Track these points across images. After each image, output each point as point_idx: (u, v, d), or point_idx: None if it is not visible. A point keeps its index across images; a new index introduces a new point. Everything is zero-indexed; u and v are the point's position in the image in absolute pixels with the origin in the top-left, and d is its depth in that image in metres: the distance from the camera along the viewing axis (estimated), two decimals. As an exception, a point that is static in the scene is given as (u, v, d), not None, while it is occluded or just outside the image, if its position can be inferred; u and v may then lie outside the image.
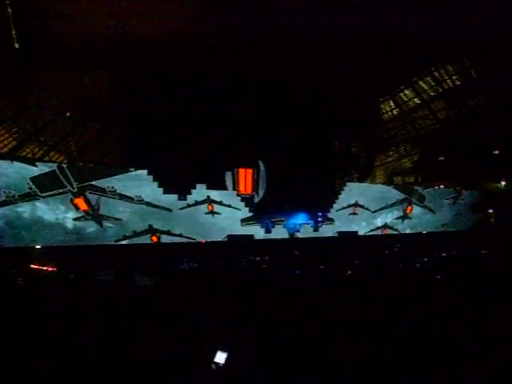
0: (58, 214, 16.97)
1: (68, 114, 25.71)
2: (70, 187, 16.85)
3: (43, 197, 16.41)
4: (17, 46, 20.34)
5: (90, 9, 18.32)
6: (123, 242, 18.40)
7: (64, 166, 17.66)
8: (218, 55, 22.06)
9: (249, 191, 26.34)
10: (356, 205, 24.40)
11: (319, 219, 23.65)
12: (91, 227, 17.77)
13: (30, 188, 16.07)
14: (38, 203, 16.45)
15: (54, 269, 13.92)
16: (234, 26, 19.42)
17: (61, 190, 16.71)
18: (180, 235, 19.58)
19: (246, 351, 5.39)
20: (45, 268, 13.91)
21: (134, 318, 7.03)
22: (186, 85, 23.74)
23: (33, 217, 16.43)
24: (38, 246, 16.48)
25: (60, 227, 17.07)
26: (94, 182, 17.58)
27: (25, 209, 16.22)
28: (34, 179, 16.11)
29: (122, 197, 18.19)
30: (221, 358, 4.85)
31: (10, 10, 18.82)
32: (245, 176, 26.28)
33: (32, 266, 14.01)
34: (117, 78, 24.19)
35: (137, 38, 20.10)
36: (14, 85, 23.16)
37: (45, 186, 16.33)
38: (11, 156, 23.63)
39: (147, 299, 8.82)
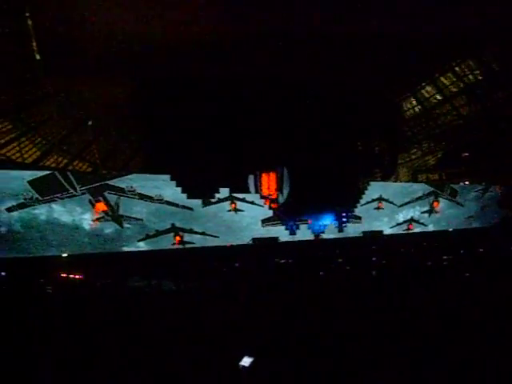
0: (75, 215, 16.85)
1: (90, 123, 25.90)
2: (72, 190, 16.75)
3: (47, 201, 16.22)
4: (37, 57, 20.57)
5: (110, 17, 18.47)
6: (142, 244, 18.46)
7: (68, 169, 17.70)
8: (240, 59, 22.05)
9: (272, 193, 26.31)
10: (380, 199, 24.22)
11: (344, 219, 23.51)
12: (111, 228, 17.68)
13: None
14: (55, 205, 16.36)
15: (81, 276, 14.03)
16: (255, 28, 19.45)
17: (63, 194, 16.56)
18: (203, 233, 19.49)
19: (273, 355, 5.32)
20: (72, 276, 14.01)
21: (161, 321, 7.03)
22: (208, 90, 23.78)
23: (49, 219, 16.31)
24: (64, 255, 16.58)
25: (80, 229, 16.96)
26: (111, 182, 17.47)
27: (42, 211, 16.11)
28: (32, 183, 15.89)
29: (142, 196, 18.08)
30: (247, 362, 4.79)
31: (30, 22, 19.08)
32: (268, 179, 26.23)
33: (59, 274, 14.13)
34: (138, 84, 24.28)
35: (159, 44, 20.19)
36: (37, 96, 23.40)
37: (44, 189, 16.10)
38: (35, 166, 23.90)
39: (173, 303, 8.81)
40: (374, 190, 24.16)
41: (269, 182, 26.18)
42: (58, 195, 16.39)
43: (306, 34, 20.21)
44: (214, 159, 23.58)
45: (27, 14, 18.63)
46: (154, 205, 18.29)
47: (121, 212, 17.63)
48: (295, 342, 5.83)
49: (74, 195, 16.75)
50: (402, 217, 24.89)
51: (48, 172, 16.58)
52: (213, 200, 19.81)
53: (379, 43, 21.48)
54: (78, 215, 16.90)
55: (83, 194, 16.88)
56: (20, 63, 20.95)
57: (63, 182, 16.52)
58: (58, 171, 17.11)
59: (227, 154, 24.01)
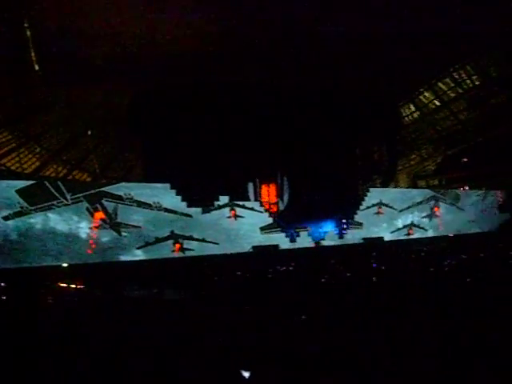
0: (72, 224, 16.62)
1: (89, 133, 25.90)
2: (62, 199, 16.49)
3: (36, 210, 15.94)
4: (36, 67, 20.60)
5: (109, 27, 18.49)
6: (141, 252, 18.25)
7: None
8: (238, 67, 22.07)
9: (272, 200, 26.31)
10: (381, 204, 24.18)
11: (344, 225, 23.44)
12: (109, 236, 17.45)
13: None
14: (51, 214, 16.18)
15: (81, 286, 13.91)
16: (251, 36, 19.48)
17: (53, 203, 16.29)
18: (203, 240, 19.41)
19: (271, 369, 5.23)
20: (72, 286, 13.90)
21: (159, 331, 6.93)
22: (207, 98, 23.74)
23: (46, 228, 16.09)
24: (64, 264, 16.47)
25: (77, 237, 16.76)
26: (108, 189, 17.35)
27: (38, 220, 15.90)
28: (20, 191, 15.66)
29: (140, 204, 17.96)
30: (245, 375, 4.70)
31: (28, 33, 19.11)
32: (268, 187, 26.24)
33: (59, 284, 14.02)
34: (137, 93, 24.28)
35: (158, 54, 20.25)
36: (36, 106, 23.41)
37: (33, 198, 15.85)
38: (35, 176, 23.87)
39: (175, 313, 8.71)
40: (374, 195, 24.13)
41: (268, 189, 26.18)
42: (47, 204, 16.19)
43: (304, 40, 20.23)
44: (213, 167, 23.57)
45: (26, 25, 18.65)
46: (153, 212, 18.19)
47: (119, 220, 17.52)
48: (294, 353, 5.72)
49: (65, 204, 16.58)
50: (402, 222, 24.84)
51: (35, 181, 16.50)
52: (212, 207, 19.73)
53: (377, 49, 21.46)
54: (75, 224, 16.76)
55: (76, 202, 16.73)
56: (19, 73, 20.96)
57: (53, 190, 16.35)
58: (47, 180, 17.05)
59: (226, 162, 23.99)
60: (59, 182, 16.84)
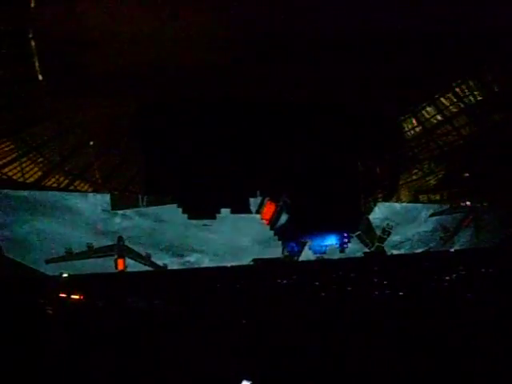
0: None
1: (91, 143, 25.85)
2: None
3: None
4: (40, 77, 20.63)
5: (113, 40, 18.55)
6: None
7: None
8: (240, 83, 22.06)
9: (274, 213, 26.17)
10: (383, 218, 24.13)
11: (345, 239, 23.37)
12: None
13: None
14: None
15: (81, 297, 13.81)
16: (252, 53, 19.52)
17: None
18: (203, 252, 19.20)
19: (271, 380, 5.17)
20: (72, 296, 13.81)
21: (159, 342, 6.87)
22: (210, 111, 23.71)
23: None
24: (64, 275, 16.38)
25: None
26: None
27: None
28: None
29: None
30: None
31: (33, 43, 19.16)
32: (269, 201, 26.11)
33: (60, 294, 13.92)
34: (140, 105, 24.21)
35: (160, 66, 20.27)
36: (38, 116, 23.39)
37: None
38: (37, 186, 23.82)
39: (172, 325, 8.65)
40: (376, 210, 24.10)
41: (270, 202, 26.04)
42: None
43: (303, 57, 20.27)
44: (214, 180, 23.48)
45: (30, 36, 18.71)
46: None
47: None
48: (294, 367, 5.64)
49: None
50: (403, 236, 24.76)
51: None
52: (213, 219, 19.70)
53: (379, 64, 21.49)
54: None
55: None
56: (23, 83, 20.99)
57: None
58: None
59: (228, 175, 23.90)
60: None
